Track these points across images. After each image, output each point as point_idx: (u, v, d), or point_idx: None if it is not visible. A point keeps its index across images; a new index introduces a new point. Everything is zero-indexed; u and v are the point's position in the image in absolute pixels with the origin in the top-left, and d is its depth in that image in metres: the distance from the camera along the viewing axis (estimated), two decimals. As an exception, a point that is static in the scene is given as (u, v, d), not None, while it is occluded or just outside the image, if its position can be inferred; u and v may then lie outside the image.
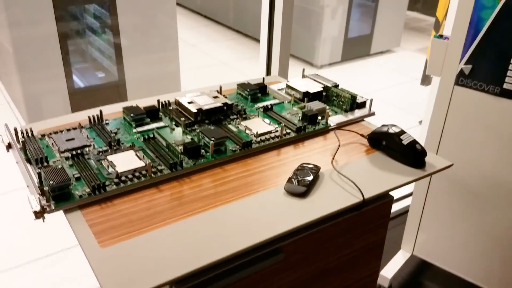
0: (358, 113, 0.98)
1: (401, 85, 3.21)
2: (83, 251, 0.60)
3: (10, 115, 2.46)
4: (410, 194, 1.62)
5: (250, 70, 3.32)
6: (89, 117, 0.88)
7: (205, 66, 3.38)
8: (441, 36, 1.30)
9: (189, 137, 0.85)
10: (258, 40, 3.89)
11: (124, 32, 2.32)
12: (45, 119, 0.89)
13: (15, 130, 0.80)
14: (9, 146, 0.81)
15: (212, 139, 0.80)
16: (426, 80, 1.40)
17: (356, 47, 3.62)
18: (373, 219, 0.82)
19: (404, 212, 1.61)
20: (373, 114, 0.99)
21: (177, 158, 0.77)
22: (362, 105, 1.00)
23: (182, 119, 0.87)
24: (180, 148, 0.80)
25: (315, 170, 0.77)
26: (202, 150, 0.80)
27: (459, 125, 1.32)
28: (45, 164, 0.74)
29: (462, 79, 1.27)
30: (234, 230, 0.66)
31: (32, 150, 0.77)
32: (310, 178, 0.75)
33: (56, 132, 0.84)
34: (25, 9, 2.03)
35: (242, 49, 3.80)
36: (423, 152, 0.82)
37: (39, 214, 0.64)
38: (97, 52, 2.47)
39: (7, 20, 2.05)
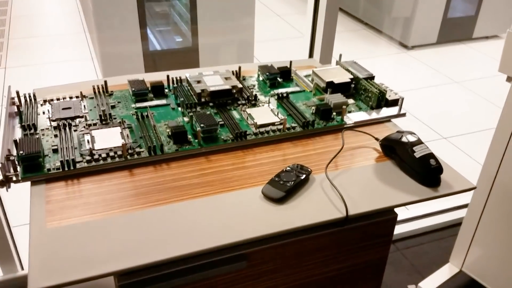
0: (385, 112, 0.86)
1: (503, 77, 2.86)
2: (29, 228, 0.59)
3: (91, 70, 2.60)
4: (466, 205, 1.44)
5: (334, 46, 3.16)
6: (93, 87, 0.86)
7: (286, 38, 3.28)
8: (521, 29, 1.10)
9: (186, 119, 0.80)
10: (350, 14, 3.69)
11: (201, -4, 2.31)
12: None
13: (17, 93, 0.81)
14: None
15: (201, 125, 0.75)
16: (512, 76, 1.21)
17: (456, 29, 3.28)
18: (368, 237, 0.72)
19: (457, 224, 1.44)
20: (403, 115, 0.87)
21: (159, 141, 0.73)
22: (393, 103, 0.88)
23: (182, 99, 0.82)
24: (168, 132, 0.76)
25: (305, 174, 0.69)
26: (190, 136, 0.75)
27: (529, 136, 1.13)
28: (32, 131, 0.74)
29: (538, 82, 1.07)
30: (193, 229, 0.61)
31: (27, 115, 0.77)
32: (292, 182, 0.67)
33: (58, 99, 0.83)
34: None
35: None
36: (437, 169, 0.69)
37: (3, 184, 0.64)
38: (174, 16, 2.49)
39: (89, -22, 2.12)
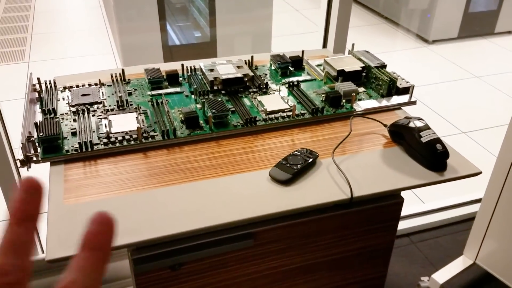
0: (395, 100, 0.87)
1: (524, 72, 2.81)
2: (47, 205, 0.63)
3: (112, 65, 2.65)
4: (481, 200, 1.43)
5: (353, 40, 3.15)
6: (111, 75, 0.90)
7: (304, 33, 3.28)
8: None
9: (199, 106, 0.83)
10: (370, 9, 3.66)
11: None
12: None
13: (38, 80, 0.85)
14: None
15: (213, 111, 0.77)
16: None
17: (478, 24, 3.23)
18: (374, 221, 0.73)
19: (473, 218, 1.44)
20: (413, 103, 0.88)
21: (172, 126, 0.75)
22: (404, 91, 0.89)
23: (194, 86, 0.85)
24: (181, 117, 0.78)
25: (312, 158, 0.71)
26: (202, 121, 0.78)
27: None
28: (52, 115, 0.78)
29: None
30: (203, 207, 0.63)
31: (47, 100, 0.81)
32: (299, 165, 0.69)
33: (78, 86, 0.87)
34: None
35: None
36: (443, 154, 0.70)
37: (23, 163, 0.68)
38: (193, 11, 2.52)
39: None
